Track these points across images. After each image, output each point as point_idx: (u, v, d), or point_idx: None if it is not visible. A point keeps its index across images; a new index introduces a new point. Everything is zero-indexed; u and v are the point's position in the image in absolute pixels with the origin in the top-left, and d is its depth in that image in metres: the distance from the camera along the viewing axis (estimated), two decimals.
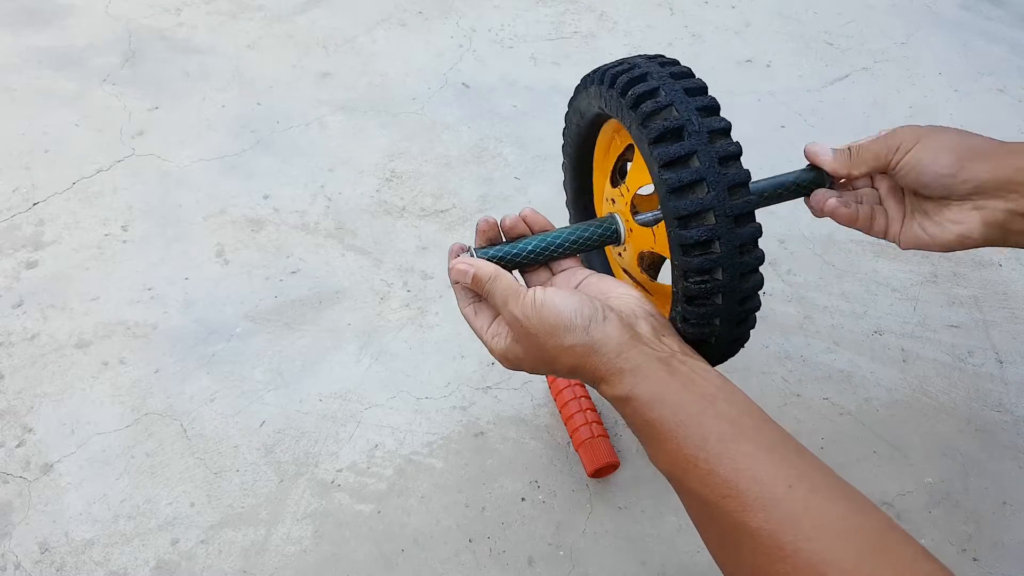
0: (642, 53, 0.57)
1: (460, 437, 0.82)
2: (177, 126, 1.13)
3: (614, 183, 0.64)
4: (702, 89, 0.50)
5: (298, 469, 0.79)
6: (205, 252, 0.97)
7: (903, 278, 1.00)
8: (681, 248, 0.48)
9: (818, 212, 0.61)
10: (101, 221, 1.00)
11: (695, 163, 0.47)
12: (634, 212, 0.59)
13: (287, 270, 0.96)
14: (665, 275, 0.70)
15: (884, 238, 0.61)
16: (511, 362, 0.51)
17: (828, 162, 0.59)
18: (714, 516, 0.41)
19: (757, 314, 0.52)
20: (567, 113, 0.65)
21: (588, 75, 0.58)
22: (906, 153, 0.56)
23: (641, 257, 0.63)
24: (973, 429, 0.85)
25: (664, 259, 0.60)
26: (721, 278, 0.48)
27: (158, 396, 0.83)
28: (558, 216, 0.71)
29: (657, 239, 0.56)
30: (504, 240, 0.56)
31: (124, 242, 0.98)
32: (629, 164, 0.62)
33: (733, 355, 0.54)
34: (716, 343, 0.52)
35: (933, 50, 1.39)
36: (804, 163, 0.63)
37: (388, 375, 0.87)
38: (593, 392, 0.84)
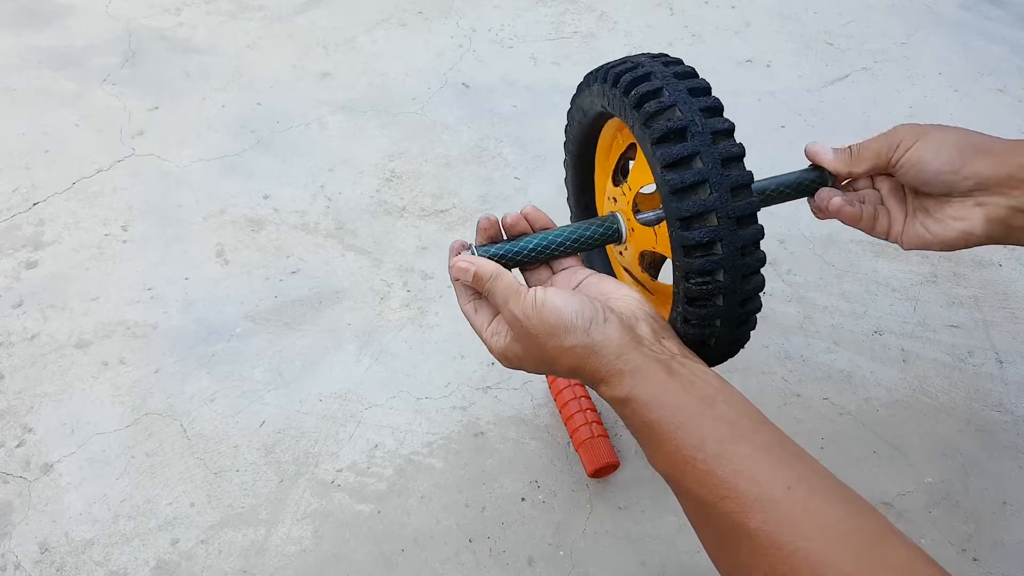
0: (645, 52, 0.57)
1: (460, 437, 0.82)
2: (177, 126, 1.13)
3: (616, 182, 0.64)
4: (706, 90, 0.50)
5: (298, 469, 0.79)
6: (205, 252, 0.97)
7: (903, 278, 1.00)
8: (683, 249, 0.48)
9: (823, 211, 0.60)
10: (101, 221, 1.00)
11: (698, 164, 0.47)
12: (636, 211, 0.59)
13: (287, 270, 0.96)
14: (666, 274, 0.70)
15: (886, 239, 0.61)
16: (510, 361, 0.51)
17: (829, 161, 0.59)
18: (712, 517, 0.41)
19: (757, 314, 0.52)
20: (569, 110, 0.65)
21: (591, 73, 0.57)
22: (907, 150, 0.56)
23: (642, 256, 0.63)
24: (973, 429, 0.85)
25: (665, 258, 0.60)
26: (722, 280, 0.48)
27: (158, 396, 0.83)
28: (559, 215, 0.71)
29: (659, 239, 0.56)
30: (505, 238, 0.56)
31: (124, 242, 0.98)
32: (631, 163, 0.62)
33: (732, 356, 0.54)
34: (716, 344, 0.52)
35: (933, 50, 1.39)
36: (804, 163, 0.63)
37: (388, 375, 0.87)
38: (593, 392, 0.83)
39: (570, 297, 0.48)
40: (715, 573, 0.44)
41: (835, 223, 0.63)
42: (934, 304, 0.97)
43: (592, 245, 0.56)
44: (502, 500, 0.77)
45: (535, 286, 0.51)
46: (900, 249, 1.02)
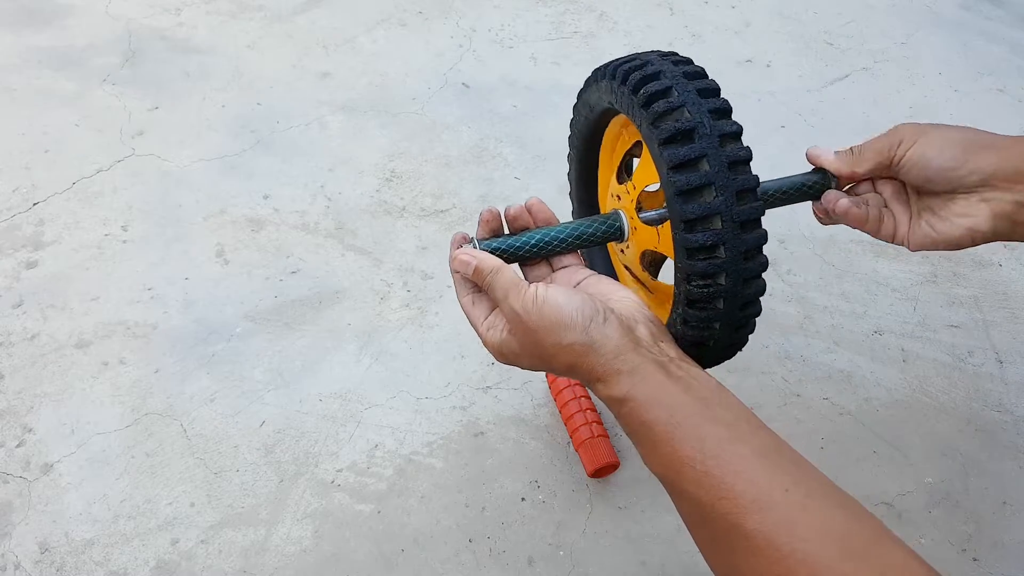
0: (655, 50, 0.56)
1: (460, 437, 0.82)
2: (177, 126, 1.13)
3: (620, 179, 0.64)
4: (715, 91, 0.49)
5: (298, 469, 0.79)
6: (205, 252, 0.97)
7: (903, 278, 1.00)
8: (686, 251, 0.48)
9: (828, 214, 0.60)
10: (101, 221, 1.00)
11: (704, 167, 0.46)
12: (639, 209, 0.59)
13: (287, 270, 0.96)
14: (666, 274, 0.70)
15: (892, 241, 0.60)
16: (505, 356, 0.51)
17: (831, 162, 0.59)
18: (708, 518, 0.41)
19: (756, 318, 0.52)
20: (576, 105, 0.65)
21: (599, 68, 0.57)
22: (909, 148, 0.55)
23: (643, 255, 0.63)
24: (973, 429, 0.85)
25: (666, 258, 0.59)
26: (724, 283, 0.48)
27: (158, 396, 0.83)
28: (559, 215, 0.71)
29: (661, 239, 0.56)
30: (506, 231, 0.55)
31: (124, 242, 0.98)
32: (636, 160, 0.62)
33: (730, 358, 0.54)
34: (714, 346, 0.52)
35: (933, 50, 1.39)
36: (805, 164, 0.63)
37: (388, 375, 0.87)
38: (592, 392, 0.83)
39: (571, 294, 0.48)
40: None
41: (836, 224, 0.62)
42: (934, 304, 0.97)
43: (594, 242, 0.55)
44: (502, 500, 0.77)
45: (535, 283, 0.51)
46: (900, 249, 1.03)
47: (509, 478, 0.79)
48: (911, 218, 0.60)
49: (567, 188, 0.76)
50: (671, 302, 0.54)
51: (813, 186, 0.60)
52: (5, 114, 1.13)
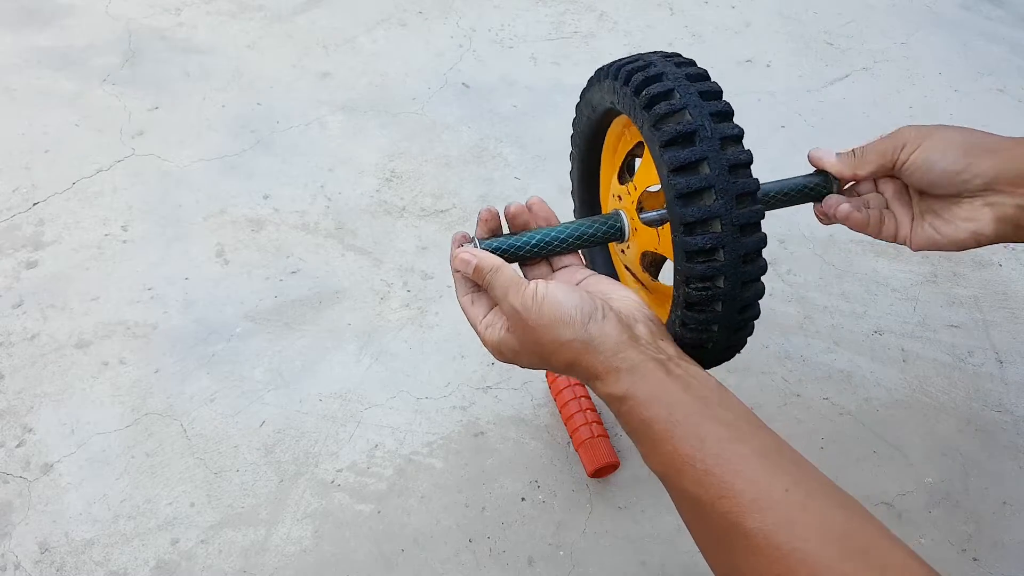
0: (657, 50, 0.56)
1: (460, 437, 0.82)
2: (177, 126, 1.13)
3: (622, 180, 0.64)
4: (717, 93, 0.49)
5: (298, 469, 0.79)
6: (205, 252, 0.97)
7: (903, 278, 1.00)
8: (685, 254, 0.48)
9: (829, 217, 0.60)
10: (101, 221, 1.00)
11: (705, 170, 0.46)
12: (640, 208, 0.59)
13: (287, 270, 0.96)
14: (666, 275, 0.69)
15: (894, 241, 0.60)
16: (503, 355, 0.51)
17: (833, 164, 0.59)
18: (708, 517, 0.41)
19: (755, 321, 0.52)
20: (578, 104, 0.65)
21: (602, 69, 0.57)
22: (912, 151, 0.55)
23: (643, 256, 0.63)
24: (973, 429, 0.85)
25: (666, 259, 0.59)
26: (723, 286, 0.48)
27: (158, 396, 0.83)
28: (560, 215, 0.71)
29: (661, 240, 0.56)
30: (506, 229, 0.55)
31: (124, 242, 0.98)
32: (638, 160, 0.62)
33: (728, 360, 0.54)
34: (712, 348, 0.52)
35: (933, 50, 1.39)
36: (805, 163, 0.63)
37: (388, 375, 0.87)
38: (593, 392, 0.83)
39: (571, 292, 0.48)
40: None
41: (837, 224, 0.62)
42: (934, 304, 0.97)
43: (595, 242, 0.55)
44: (502, 500, 0.77)
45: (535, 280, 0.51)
46: (900, 249, 1.03)
47: (509, 478, 0.79)
48: (913, 218, 0.60)
49: (567, 188, 0.77)
50: (670, 303, 0.54)
51: (815, 188, 0.60)
52: (5, 114, 1.13)
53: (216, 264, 0.96)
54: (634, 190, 0.58)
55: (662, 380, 0.44)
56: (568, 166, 0.74)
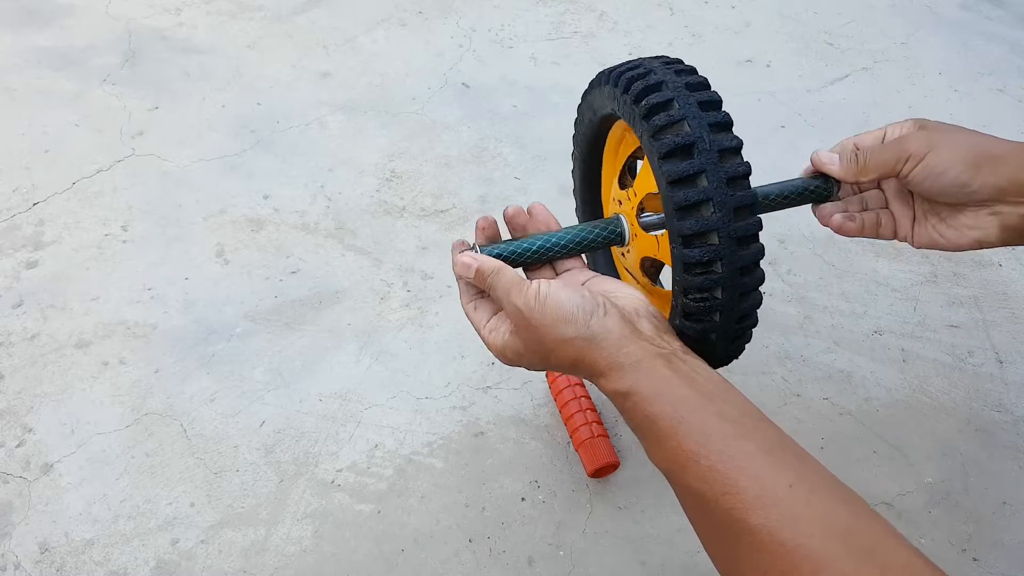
0: (659, 55, 0.56)
1: (460, 437, 0.82)
2: (177, 126, 1.13)
3: (622, 184, 0.64)
4: (716, 103, 0.49)
5: (298, 469, 0.79)
6: (205, 252, 0.97)
7: (903, 278, 1.00)
8: (683, 265, 0.48)
9: (824, 225, 0.61)
10: (101, 221, 1.00)
11: (703, 183, 0.46)
12: (641, 209, 0.59)
13: (287, 270, 0.96)
14: (666, 278, 0.69)
15: (894, 239, 0.61)
16: (508, 358, 0.51)
17: (835, 171, 0.59)
18: (712, 513, 0.41)
19: (753, 329, 0.52)
20: (580, 106, 0.65)
21: (603, 73, 0.57)
22: (917, 163, 0.55)
23: (643, 262, 0.63)
24: (973, 429, 0.85)
25: (665, 264, 0.60)
26: (720, 297, 0.48)
27: (158, 396, 0.83)
28: (560, 217, 0.71)
29: (661, 247, 0.56)
30: (504, 232, 0.56)
31: (124, 242, 0.98)
32: (640, 161, 0.62)
33: (725, 365, 0.55)
34: (709, 356, 0.52)
35: (933, 50, 1.39)
36: (805, 162, 0.63)
37: (388, 375, 0.87)
38: (593, 392, 0.84)
39: (573, 291, 0.48)
40: (715, 573, 0.44)
41: None
42: (934, 304, 0.97)
43: (595, 247, 0.56)
44: (502, 500, 0.77)
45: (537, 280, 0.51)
46: (900, 249, 1.03)
47: (509, 478, 0.79)
48: (915, 218, 0.60)
49: (567, 188, 0.77)
50: (670, 308, 0.54)
51: (815, 190, 0.60)
52: (5, 114, 1.13)
53: (216, 264, 0.96)
54: (634, 196, 0.58)
55: (666, 376, 0.44)
56: (569, 165, 0.74)
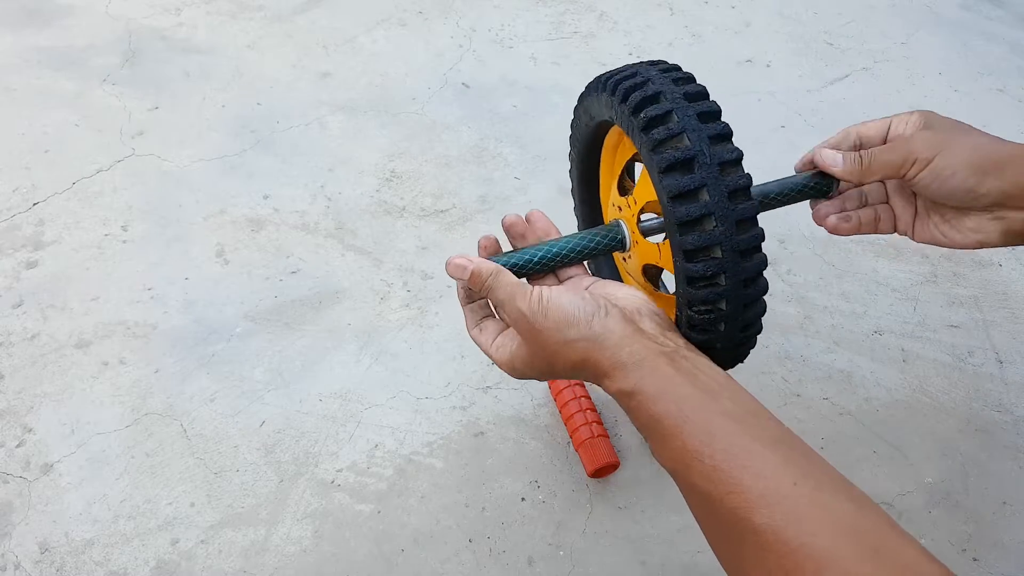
0: (657, 61, 0.55)
1: (460, 437, 0.82)
2: (177, 126, 1.13)
3: (621, 190, 0.64)
4: (715, 114, 0.48)
5: (298, 469, 0.79)
6: (205, 252, 0.97)
7: (903, 278, 1.00)
8: (686, 279, 0.48)
9: (819, 224, 0.61)
10: (101, 221, 1.00)
11: (704, 197, 0.46)
12: (641, 210, 0.59)
13: (287, 270, 0.96)
14: (667, 279, 0.69)
15: (894, 232, 0.61)
16: (517, 368, 0.51)
17: (839, 172, 0.58)
18: (717, 512, 0.41)
19: (758, 335, 0.52)
20: (576, 108, 0.64)
21: (600, 80, 0.56)
22: (924, 167, 0.54)
23: (645, 269, 0.63)
24: (973, 429, 0.85)
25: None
26: (725, 309, 0.48)
27: (158, 396, 0.83)
28: (560, 216, 0.70)
29: (663, 255, 0.56)
30: (503, 240, 0.56)
31: (124, 242, 0.98)
32: (639, 163, 0.62)
33: (731, 368, 0.54)
34: (714, 362, 0.52)
35: (933, 50, 1.39)
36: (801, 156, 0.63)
37: (388, 375, 0.87)
38: (593, 392, 0.83)
39: (574, 295, 0.48)
40: (716, 573, 0.44)
41: None
42: (934, 304, 0.97)
43: (597, 254, 0.56)
44: (502, 500, 0.77)
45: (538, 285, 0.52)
46: (900, 249, 1.03)
47: (509, 478, 0.79)
48: (916, 214, 0.60)
49: (567, 188, 0.76)
50: (673, 312, 0.54)
51: (815, 187, 0.60)
52: (5, 114, 1.13)
53: (216, 264, 0.96)
54: (634, 203, 0.58)
55: (670, 375, 0.44)
56: (567, 165, 0.74)
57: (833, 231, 0.60)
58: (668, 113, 0.48)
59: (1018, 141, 0.55)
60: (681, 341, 0.48)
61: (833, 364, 0.90)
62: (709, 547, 0.44)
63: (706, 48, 1.36)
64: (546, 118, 1.19)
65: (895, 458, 0.82)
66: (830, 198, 0.62)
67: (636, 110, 0.49)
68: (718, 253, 0.46)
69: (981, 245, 0.56)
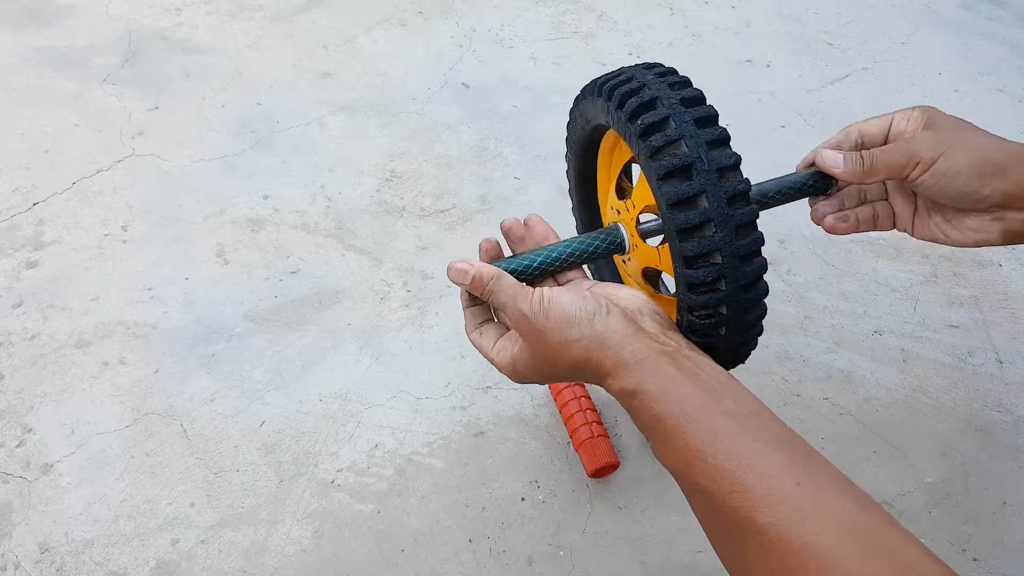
0: (653, 64, 0.55)
1: (460, 437, 0.82)
2: (177, 126, 1.13)
3: (620, 192, 0.64)
4: (712, 119, 0.48)
5: (298, 469, 0.79)
6: (205, 252, 0.97)
7: (903, 278, 1.00)
8: (687, 285, 0.48)
9: (817, 224, 0.61)
10: (101, 221, 1.00)
11: (703, 203, 0.46)
12: (640, 212, 0.59)
13: (287, 270, 0.96)
14: (668, 281, 0.69)
15: (893, 229, 0.61)
16: (519, 371, 0.51)
17: (840, 173, 0.58)
18: (720, 511, 0.41)
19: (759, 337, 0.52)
20: (572, 111, 0.64)
21: (595, 84, 0.56)
22: (926, 169, 0.54)
23: (645, 272, 0.63)
24: (973, 429, 0.85)
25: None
26: (726, 313, 0.48)
27: (158, 396, 0.83)
28: (560, 216, 0.71)
29: (662, 258, 0.56)
30: (502, 242, 0.56)
31: (124, 242, 0.98)
32: (636, 165, 0.62)
33: (731, 369, 0.54)
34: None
35: (933, 50, 1.39)
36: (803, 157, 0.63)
37: (388, 375, 0.87)
38: (593, 392, 0.83)
39: (575, 295, 0.48)
40: (716, 573, 0.44)
41: None
42: (934, 304, 0.97)
43: (596, 257, 0.56)
44: (502, 500, 0.77)
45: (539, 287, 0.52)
46: (900, 249, 1.03)
47: (509, 478, 0.79)
48: (916, 211, 0.60)
49: (567, 188, 0.76)
50: (674, 314, 0.54)
51: (814, 185, 0.60)
52: (5, 114, 1.13)
53: (216, 264, 0.96)
54: (633, 207, 0.58)
55: (672, 374, 0.44)
56: (566, 164, 0.74)
57: (831, 231, 0.61)
58: (665, 119, 0.48)
59: (1018, 141, 0.55)
60: (683, 340, 0.48)
61: (833, 364, 0.90)
62: (710, 547, 0.44)
63: (706, 48, 1.36)
64: (546, 118, 1.19)
65: (895, 458, 0.82)
66: (829, 196, 0.62)
67: (633, 116, 0.49)
68: (718, 259, 0.47)
69: (980, 244, 0.57)
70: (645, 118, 0.48)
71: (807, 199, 0.63)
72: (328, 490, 0.77)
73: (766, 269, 0.48)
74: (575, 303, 0.48)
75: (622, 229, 0.56)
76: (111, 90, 1.17)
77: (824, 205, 0.61)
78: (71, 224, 0.99)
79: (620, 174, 0.65)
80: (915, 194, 0.60)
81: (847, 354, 0.91)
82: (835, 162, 0.58)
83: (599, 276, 0.76)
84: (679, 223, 0.46)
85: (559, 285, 0.56)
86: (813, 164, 0.61)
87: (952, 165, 0.54)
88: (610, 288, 0.53)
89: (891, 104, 1.26)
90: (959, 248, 0.98)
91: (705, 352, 0.50)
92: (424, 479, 0.78)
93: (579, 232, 0.75)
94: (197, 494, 0.76)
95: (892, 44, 1.40)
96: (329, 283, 0.95)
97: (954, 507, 0.79)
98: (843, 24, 1.44)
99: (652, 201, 0.54)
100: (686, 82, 0.51)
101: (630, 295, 0.51)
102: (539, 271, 0.54)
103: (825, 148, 0.60)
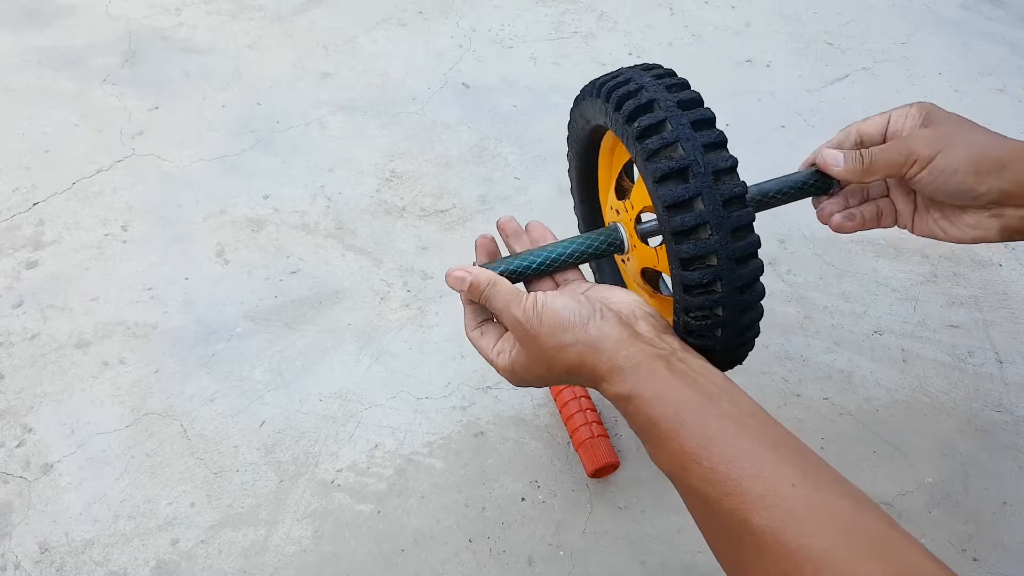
0: (651, 65, 0.55)
1: (460, 437, 0.82)
2: (177, 126, 1.13)
3: (619, 193, 0.64)
4: (709, 121, 0.49)
5: (298, 469, 0.79)
6: (205, 252, 0.97)
7: (903, 278, 1.00)
8: (683, 287, 0.48)
9: (823, 223, 0.62)
10: (101, 221, 1.00)
11: (699, 206, 0.46)
12: (639, 220, 0.59)
13: (287, 270, 0.96)
14: (667, 281, 0.69)
15: (895, 226, 0.61)
16: (518, 375, 0.51)
17: (840, 172, 0.59)
18: (716, 514, 0.41)
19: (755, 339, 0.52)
20: (572, 111, 0.65)
21: (594, 85, 0.56)
22: (924, 167, 0.55)
23: (644, 272, 0.63)
24: (973, 429, 0.85)
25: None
26: (722, 314, 0.48)
27: (158, 396, 0.83)
28: (559, 216, 0.71)
29: (660, 259, 0.56)
30: (500, 242, 0.56)
31: (124, 242, 0.98)
32: (636, 165, 0.62)
33: (728, 371, 0.55)
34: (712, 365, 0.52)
35: (933, 50, 1.39)
36: (804, 160, 0.63)
37: (388, 375, 0.87)
38: (593, 392, 0.84)
39: (569, 299, 0.49)
40: (716, 573, 0.44)
41: None
42: (934, 304, 0.97)
43: (595, 257, 0.56)
44: (502, 500, 0.77)
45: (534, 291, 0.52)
46: (900, 249, 1.03)
47: (509, 478, 0.79)
48: (915, 208, 0.60)
49: (567, 187, 0.77)
50: (671, 315, 0.54)
51: (814, 184, 0.61)
52: (5, 114, 1.13)
53: (216, 264, 0.96)
54: (631, 208, 0.58)
55: (667, 378, 0.44)
56: (567, 165, 0.74)
57: (838, 230, 0.61)
58: (662, 122, 0.48)
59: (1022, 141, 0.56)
60: (677, 343, 0.48)
61: (833, 364, 0.90)
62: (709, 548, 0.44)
63: (706, 48, 1.36)
64: (546, 118, 1.19)
65: (895, 458, 0.82)
66: (831, 195, 0.62)
67: (630, 119, 0.50)
68: (714, 261, 0.47)
69: (979, 241, 0.57)
70: (642, 120, 0.49)
71: (810, 199, 0.63)
72: (328, 490, 0.77)
73: (762, 271, 0.48)
74: (569, 307, 0.48)
75: (621, 229, 0.56)
76: (111, 90, 1.17)
77: (829, 204, 0.62)
78: (71, 224, 0.99)
79: (620, 174, 0.65)
80: (914, 192, 0.60)
81: (847, 354, 0.91)
82: (835, 161, 0.59)
83: (600, 274, 0.76)
84: (675, 226, 0.46)
85: (557, 286, 0.56)
86: (814, 164, 0.61)
87: (950, 162, 0.54)
88: (605, 291, 0.53)
89: (891, 104, 1.25)
90: (959, 247, 0.98)
91: (701, 354, 0.50)
92: (424, 479, 0.78)
93: (581, 231, 0.76)
94: (197, 494, 0.76)
95: (892, 44, 1.40)
96: (329, 283, 0.95)
97: (954, 507, 0.79)
98: (843, 24, 1.44)
99: (650, 202, 0.54)
100: (684, 84, 0.52)
101: (625, 298, 0.51)
102: (538, 270, 0.54)
103: (826, 148, 0.60)
